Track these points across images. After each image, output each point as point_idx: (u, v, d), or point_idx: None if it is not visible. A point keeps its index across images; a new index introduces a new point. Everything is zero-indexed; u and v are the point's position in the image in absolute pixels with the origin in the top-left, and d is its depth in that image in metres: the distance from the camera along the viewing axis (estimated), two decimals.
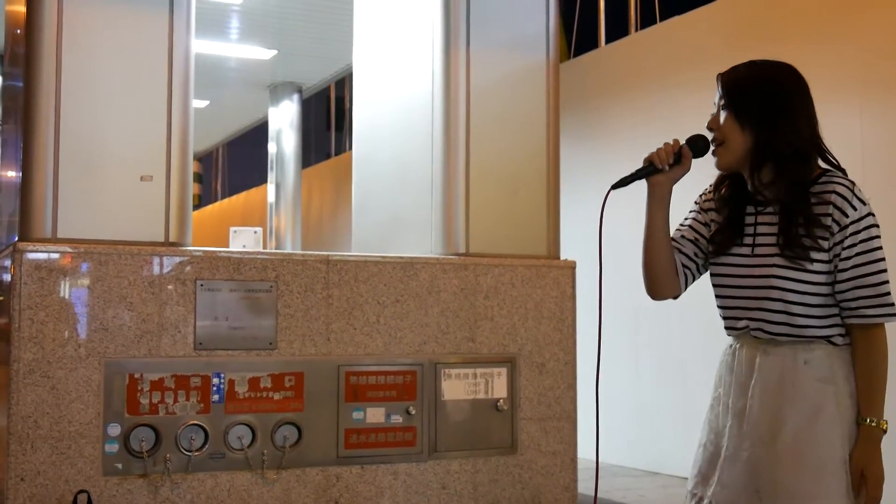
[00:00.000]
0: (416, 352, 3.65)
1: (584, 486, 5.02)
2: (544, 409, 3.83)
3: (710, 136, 2.33)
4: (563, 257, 3.96)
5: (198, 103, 9.74)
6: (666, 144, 2.30)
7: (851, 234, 2.14)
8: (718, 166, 2.32)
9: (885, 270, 2.17)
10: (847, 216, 2.14)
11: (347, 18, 4.97)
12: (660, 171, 2.29)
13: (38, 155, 3.28)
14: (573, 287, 3.91)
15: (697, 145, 2.32)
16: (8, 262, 3.26)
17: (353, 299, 3.57)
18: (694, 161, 2.35)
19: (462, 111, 3.86)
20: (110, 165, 3.37)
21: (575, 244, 4.31)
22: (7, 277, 3.27)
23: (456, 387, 3.69)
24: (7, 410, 3.12)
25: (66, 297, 3.19)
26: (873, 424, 2.15)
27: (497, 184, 3.91)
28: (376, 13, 4.57)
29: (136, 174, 3.39)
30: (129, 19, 3.43)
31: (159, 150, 3.42)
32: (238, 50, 8.35)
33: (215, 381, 3.34)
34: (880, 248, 2.17)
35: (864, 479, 2.14)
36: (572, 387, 3.91)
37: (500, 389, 3.76)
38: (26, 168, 3.29)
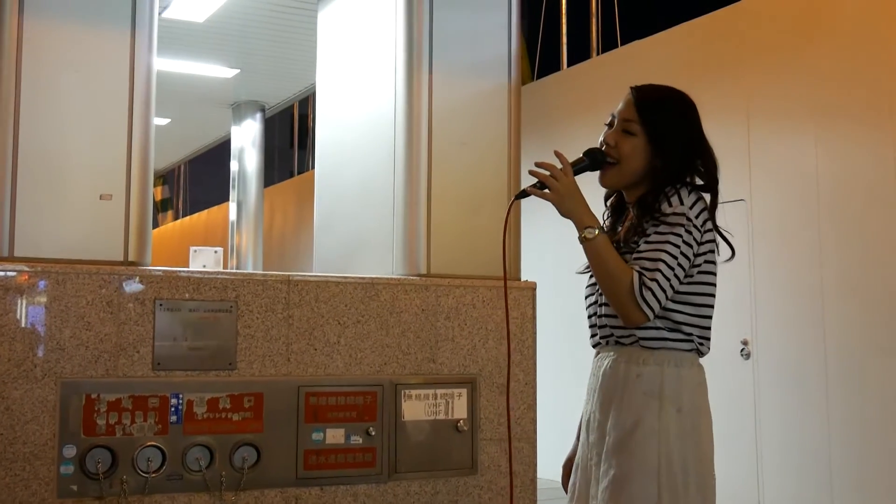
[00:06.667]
0: (376, 372, 3.65)
1: None
2: (504, 430, 3.83)
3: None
4: (523, 279, 3.98)
5: (159, 121, 9.68)
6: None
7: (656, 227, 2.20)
8: (607, 183, 2.36)
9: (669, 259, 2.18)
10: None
11: (311, 38, 4.98)
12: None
13: None
14: (533, 308, 3.93)
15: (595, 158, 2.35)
16: None
17: (314, 320, 3.56)
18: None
19: (424, 132, 3.88)
20: (69, 183, 3.34)
21: (535, 266, 4.33)
22: None
23: (416, 407, 3.69)
24: None
25: (23, 316, 3.15)
26: (589, 232, 2.18)
27: (458, 205, 3.92)
28: (340, 33, 4.59)
29: (96, 193, 3.36)
30: (90, 36, 3.41)
31: (119, 168, 3.40)
32: (200, 68, 8.30)
33: (173, 401, 3.31)
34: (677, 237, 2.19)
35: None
36: (532, 408, 3.93)
37: (460, 410, 3.76)
38: None
